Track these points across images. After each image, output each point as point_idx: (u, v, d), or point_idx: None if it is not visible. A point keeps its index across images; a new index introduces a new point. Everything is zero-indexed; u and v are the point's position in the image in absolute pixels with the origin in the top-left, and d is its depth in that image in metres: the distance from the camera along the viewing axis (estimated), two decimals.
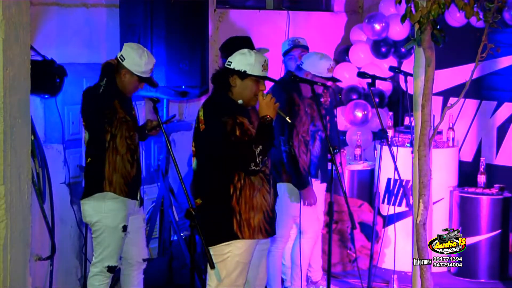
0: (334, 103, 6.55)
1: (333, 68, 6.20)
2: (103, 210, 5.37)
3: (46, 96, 6.01)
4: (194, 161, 4.80)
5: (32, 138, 5.45)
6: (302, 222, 6.16)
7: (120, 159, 5.37)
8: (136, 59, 5.35)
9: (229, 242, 4.65)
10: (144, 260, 5.63)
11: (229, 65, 4.71)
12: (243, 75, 4.67)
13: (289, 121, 4.86)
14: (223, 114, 4.61)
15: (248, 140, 4.58)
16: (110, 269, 5.42)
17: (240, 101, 4.70)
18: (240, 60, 4.68)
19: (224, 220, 4.64)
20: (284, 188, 6.02)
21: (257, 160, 4.54)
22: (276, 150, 5.93)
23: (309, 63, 6.12)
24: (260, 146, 4.54)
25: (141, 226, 5.63)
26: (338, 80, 6.45)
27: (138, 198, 5.55)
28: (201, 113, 4.73)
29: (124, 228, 5.41)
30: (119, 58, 5.39)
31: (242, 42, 5.78)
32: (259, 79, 4.70)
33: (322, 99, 6.29)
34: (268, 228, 4.76)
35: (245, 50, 4.74)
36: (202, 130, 4.68)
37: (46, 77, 5.80)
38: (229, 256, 4.65)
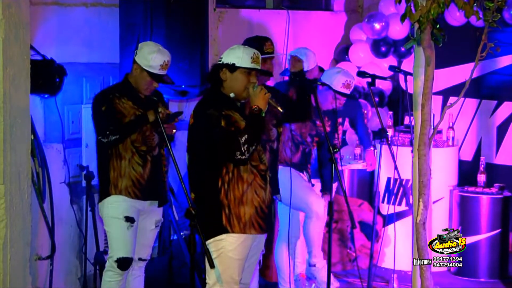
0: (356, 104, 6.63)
1: (351, 85, 6.26)
2: (108, 202, 5.41)
3: (46, 96, 6.01)
4: (187, 157, 4.84)
5: (32, 138, 5.45)
6: (312, 202, 6.24)
7: (127, 164, 5.38)
8: (145, 54, 5.37)
9: (220, 237, 4.67)
10: (140, 259, 5.60)
11: (220, 60, 4.79)
12: (232, 67, 4.73)
13: (280, 110, 4.89)
14: (209, 107, 4.67)
15: (233, 130, 4.62)
16: (120, 264, 5.38)
17: (232, 95, 4.74)
18: (229, 54, 4.77)
19: (213, 214, 4.67)
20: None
21: (242, 149, 4.57)
22: None
23: (326, 75, 6.28)
24: (246, 135, 4.57)
25: (151, 228, 5.59)
26: (354, 98, 6.48)
27: (157, 197, 5.54)
28: (193, 110, 4.82)
29: (127, 219, 5.39)
30: (134, 54, 5.46)
31: (256, 41, 5.85)
32: (249, 72, 4.75)
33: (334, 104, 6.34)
34: (262, 224, 4.76)
35: (235, 46, 4.84)
36: (191, 124, 4.76)
37: (46, 76, 5.79)
38: (223, 252, 4.68)
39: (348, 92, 6.23)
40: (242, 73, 4.73)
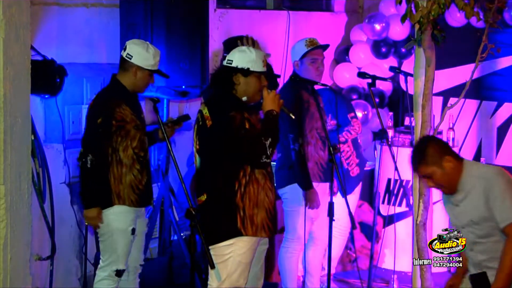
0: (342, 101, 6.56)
1: (313, 40, 6.17)
2: (111, 213, 5.26)
3: (46, 96, 6.01)
4: (197, 159, 4.82)
5: (32, 138, 5.45)
6: (315, 228, 6.16)
7: (127, 171, 5.26)
8: (144, 53, 5.28)
9: (232, 241, 4.66)
10: (140, 265, 5.57)
11: (230, 63, 4.74)
12: (246, 72, 4.72)
13: (293, 117, 4.89)
14: (231, 109, 4.64)
15: (257, 134, 4.62)
16: (118, 273, 5.33)
17: (244, 98, 4.73)
18: (242, 58, 4.73)
19: (228, 216, 4.65)
20: (300, 189, 5.99)
21: (268, 152, 4.59)
22: (286, 150, 5.95)
23: (293, 56, 6.18)
24: (270, 139, 4.58)
25: (143, 230, 5.54)
26: (327, 46, 6.40)
27: (150, 202, 5.48)
28: (205, 111, 4.75)
29: (133, 231, 5.32)
30: (125, 57, 5.30)
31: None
32: (261, 75, 4.74)
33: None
34: (271, 226, 4.78)
35: (244, 48, 4.82)
36: (209, 126, 4.69)
37: (46, 77, 5.79)
38: (231, 256, 4.66)
39: (316, 44, 6.14)
40: (256, 77, 4.73)
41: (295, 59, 6.13)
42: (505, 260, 4.21)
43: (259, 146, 4.57)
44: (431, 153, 4.27)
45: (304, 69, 6.07)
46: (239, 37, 6.02)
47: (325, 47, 6.23)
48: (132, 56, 5.29)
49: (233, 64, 4.73)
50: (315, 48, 6.11)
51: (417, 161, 4.30)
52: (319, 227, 6.14)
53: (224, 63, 4.80)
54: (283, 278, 6.27)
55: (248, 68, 4.71)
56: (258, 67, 4.72)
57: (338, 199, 5.96)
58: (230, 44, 5.98)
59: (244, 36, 5.96)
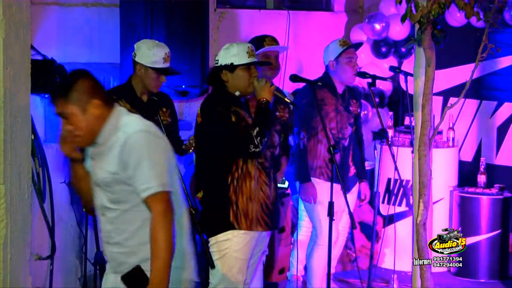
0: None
1: (346, 40, 6.31)
2: None
3: (47, 96, 6.01)
4: (194, 156, 4.92)
5: (32, 138, 5.45)
6: (317, 225, 6.17)
7: None
8: (145, 51, 5.35)
9: (226, 237, 4.70)
10: None
11: (217, 62, 4.84)
12: (231, 67, 4.78)
13: (288, 100, 5.05)
14: (217, 105, 4.72)
15: (244, 125, 4.68)
16: None
17: (237, 93, 4.78)
18: (225, 55, 4.81)
19: (221, 210, 4.70)
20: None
21: (256, 141, 4.63)
22: (296, 147, 6.01)
23: (326, 57, 6.25)
24: (257, 128, 4.65)
25: None
26: (360, 44, 6.47)
27: None
28: (199, 109, 4.86)
29: None
30: (132, 56, 5.42)
31: (254, 42, 5.90)
32: (249, 67, 4.79)
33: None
34: (268, 221, 4.80)
35: (227, 45, 4.88)
36: (199, 123, 4.80)
37: (46, 76, 5.79)
38: (228, 252, 4.70)
39: (348, 44, 6.25)
40: (242, 70, 4.78)
41: (329, 59, 6.20)
42: (158, 241, 3.36)
43: (246, 137, 4.63)
44: (78, 89, 3.46)
45: (340, 69, 6.16)
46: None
47: (358, 45, 6.31)
48: (136, 55, 5.40)
49: (219, 63, 4.82)
50: (350, 47, 6.20)
51: (59, 93, 3.48)
52: (321, 224, 6.16)
53: (214, 63, 4.91)
54: (309, 275, 6.32)
55: (231, 63, 4.77)
56: (241, 59, 4.77)
57: (338, 199, 5.96)
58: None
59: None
